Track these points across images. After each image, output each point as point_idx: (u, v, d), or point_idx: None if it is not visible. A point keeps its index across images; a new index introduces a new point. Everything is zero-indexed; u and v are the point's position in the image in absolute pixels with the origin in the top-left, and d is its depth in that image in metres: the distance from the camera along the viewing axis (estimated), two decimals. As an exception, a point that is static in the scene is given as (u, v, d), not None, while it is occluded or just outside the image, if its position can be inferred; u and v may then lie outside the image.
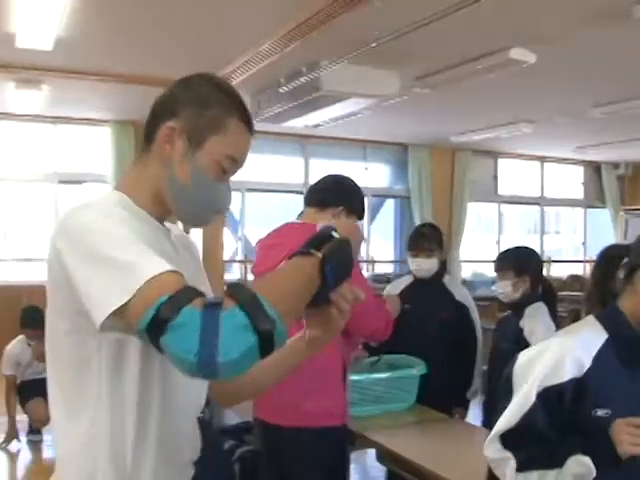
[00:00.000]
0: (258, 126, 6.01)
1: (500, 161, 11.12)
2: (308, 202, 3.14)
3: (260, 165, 9.56)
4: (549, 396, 1.84)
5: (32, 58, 5.66)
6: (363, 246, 10.19)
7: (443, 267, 3.92)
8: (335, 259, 1.38)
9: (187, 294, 1.21)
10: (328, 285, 1.37)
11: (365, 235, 10.30)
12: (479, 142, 9.44)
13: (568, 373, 1.84)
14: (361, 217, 3.16)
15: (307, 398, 2.91)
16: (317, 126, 7.86)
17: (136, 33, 5.19)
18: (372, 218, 10.45)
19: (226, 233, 8.77)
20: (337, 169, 9.67)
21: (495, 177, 11.16)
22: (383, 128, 8.99)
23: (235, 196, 9.40)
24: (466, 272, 10.60)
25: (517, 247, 3.53)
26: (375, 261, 10.19)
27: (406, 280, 4.03)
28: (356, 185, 3.19)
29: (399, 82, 5.90)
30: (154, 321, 1.18)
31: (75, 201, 1.49)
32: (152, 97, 1.60)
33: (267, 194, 9.88)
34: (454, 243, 10.43)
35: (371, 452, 3.28)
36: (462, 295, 3.94)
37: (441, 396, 3.50)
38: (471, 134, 8.92)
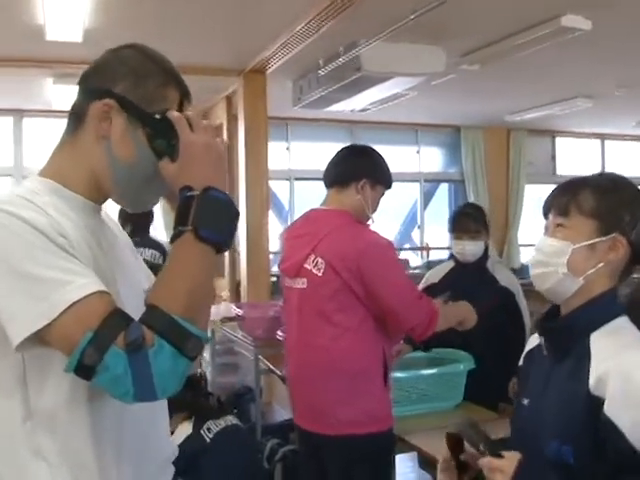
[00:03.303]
0: (303, 113, 5.84)
1: (558, 140, 10.68)
2: (328, 184, 2.91)
3: (309, 153, 9.33)
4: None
5: (65, 52, 5.56)
6: (417, 232, 9.94)
7: (486, 251, 3.62)
8: (206, 220, 1.28)
9: (112, 328, 1.18)
10: (222, 247, 1.32)
11: (419, 221, 10.04)
12: (535, 121, 9.03)
13: (522, 360, 1.86)
14: (389, 185, 2.90)
15: (345, 403, 2.69)
16: (364, 110, 7.61)
17: (166, 22, 5.02)
18: (426, 203, 10.17)
19: (275, 224, 8.56)
20: (388, 154, 9.51)
21: (553, 157, 10.72)
22: (433, 110, 8.68)
23: (283, 185, 9.21)
24: (525, 257, 10.23)
25: None
26: (430, 248, 9.89)
27: (447, 266, 3.75)
28: (374, 151, 2.95)
29: (445, 59, 5.58)
30: (80, 365, 1.17)
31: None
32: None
33: (317, 182, 9.62)
34: (511, 227, 10.09)
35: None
36: (508, 280, 3.63)
37: (486, 390, 3.21)
38: (525, 112, 8.53)
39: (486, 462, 1.50)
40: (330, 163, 2.95)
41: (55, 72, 6.20)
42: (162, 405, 1.56)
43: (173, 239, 1.29)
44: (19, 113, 8.08)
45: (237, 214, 1.35)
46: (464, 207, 3.90)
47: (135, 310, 1.30)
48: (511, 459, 1.48)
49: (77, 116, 1.41)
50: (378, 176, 2.86)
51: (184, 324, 1.21)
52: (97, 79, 1.40)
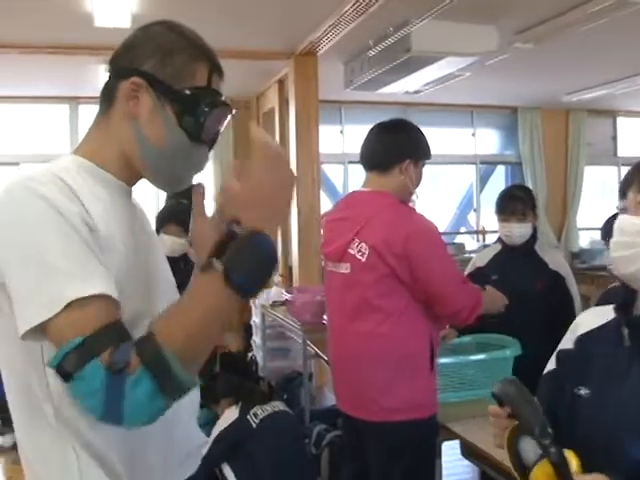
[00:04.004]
0: (356, 95, 5.77)
1: (619, 120, 10.36)
2: (368, 167, 2.83)
3: (363, 136, 9.24)
4: (559, 360, 1.71)
5: (114, 38, 5.54)
6: (473, 216, 9.80)
7: (535, 233, 3.51)
8: (241, 265, 1.17)
9: (102, 340, 1.13)
10: (248, 297, 1.20)
11: (475, 204, 9.89)
12: (594, 100, 8.77)
13: (569, 341, 1.69)
14: (430, 156, 2.82)
15: (389, 390, 2.64)
16: (418, 92, 7.50)
17: (214, 6, 4.98)
18: (482, 186, 9.98)
19: (328, 207, 8.51)
20: (443, 136, 9.42)
21: (614, 138, 10.41)
22: (489, 91, 8.50)
23: (337, 169, 9.16)
24: (584, 240, 9.99)
25: None
26: (486, 231, 9.73)
27: (494, 249, 3.65)
28: (408, 124, 2.86)
29: (497, 38, 5.44)
30: (60, 366, 1.13)
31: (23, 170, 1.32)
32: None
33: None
34: (570, 210, 9.86)
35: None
36: (557, 263, 3.50)
37: (535, 377, 3.11)
38: (584, 92, 8.29)
39: None
40: (365, 145, 2.86)
41: (106, 59, 6.20)
42: (191, 396, 1.52)
43: (203, 268, 1.19)
44: (74, 100, 8.18)
45: (276, 267, 1.26)
46: (511, 189, 3.77)
47: (163, 294, 1.32)
48: None
49: (108, 96, 1.40)
50: (420, 152, 2.78)
51: (173, 364, 1.13)
52: (125, 58, 1.39)
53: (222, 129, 1.44)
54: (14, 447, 1.39)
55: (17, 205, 1.20)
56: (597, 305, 3.18)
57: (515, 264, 3.37)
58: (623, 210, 1.58)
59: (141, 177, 1.45)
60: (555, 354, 1.74)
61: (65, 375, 1.13)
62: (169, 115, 1.35)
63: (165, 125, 1.36)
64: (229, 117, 1.43)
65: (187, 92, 1.35)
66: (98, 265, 1.20)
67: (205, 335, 1.19)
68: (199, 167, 1.44)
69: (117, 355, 1.12)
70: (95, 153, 1.38)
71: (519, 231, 3.41)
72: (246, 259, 1.17)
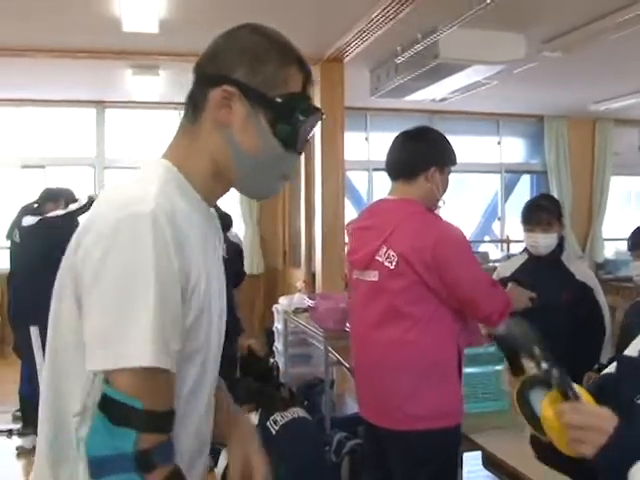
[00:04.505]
0: (382, 103, 5.75)
1: (647, 130, 10.27)
2: (394, 176, 2.81)
3: (388, 143, 9.21)
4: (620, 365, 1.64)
5: (142, 43, 5.60)
6: (497, 225, 9.75)
7: (561, 243, 3.47)
8: None
9: (158, 424, 1.15)
10: None
11: (499, 213, 9.85)
12: (622, 110, 8.69)
13: (634, 349, 1.62)
14: (455, 162, 2.80)
15: (415, 398, 2.61)
16: (444, 100, 7.50)
17: (241, 11, 4.97)
18: (507, 195, 9.95)
19: (352, 215, 8.50)
20: (468, 144, 9.39)
21: (641, 148, 10.32)
22: (515, 99, 8.47)
23: (362, 176, 9.16)
24: (609, 251, 9.90)
25: None
26: (510, 240, 9.67)
27: (519, 259, 3.61)
28: (433, 131, 2.85)
29: (525, 46, 5.42)
30: (106, 399, 1.13)
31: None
32: None
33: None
34: (596, 220, 9.80)
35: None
36: (584, 274, 3.45)
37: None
38: (612, 101, 8.22)
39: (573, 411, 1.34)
40: (390, 154, 2.83)
41: (134, 63, 6.29)
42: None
43: None
44: (101, 104, 8.26)
45: None
46: (537, 198, 3.72)
47: (218, 326, 1.35)
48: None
49: (195, 104, 1.34)
50: (445, 159, 2.75)
51: None
52: (212, 65, 1.34)
53: (311, 135, 1.41)
54: (35, 449, 1.37)
55: (127, 242, 1.16)
56: (626, 317, 3.16)
57: (541, 275, 3.32)
58: None
59: (226, 191, 1.42)
60: (617, 359, 1.69)
61: (104, 405, 1.13)
62: (263, 124, 1.31)
63: (259, 134, 1.32)
64: (319, 122, 1.40)
65: (280, 100, 1.31)
66: (174, 338, 1.18)
67: None
68: (289, 175, 1.41)
69: (159, 451, 1.14)
70: (184, 161, 1.33)
71: (544, 241, 3.36)
72: None
